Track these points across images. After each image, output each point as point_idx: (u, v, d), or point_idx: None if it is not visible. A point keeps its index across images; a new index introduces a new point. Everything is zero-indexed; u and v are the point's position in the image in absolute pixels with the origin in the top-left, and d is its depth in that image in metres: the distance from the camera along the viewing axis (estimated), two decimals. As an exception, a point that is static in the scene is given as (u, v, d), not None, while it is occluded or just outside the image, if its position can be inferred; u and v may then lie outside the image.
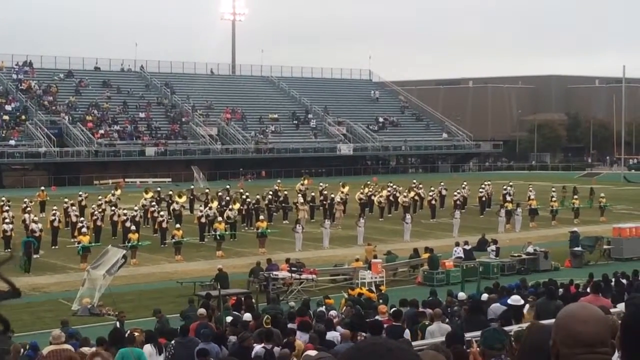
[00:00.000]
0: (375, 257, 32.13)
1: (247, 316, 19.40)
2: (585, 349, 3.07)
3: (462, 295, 22.23)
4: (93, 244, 36.35)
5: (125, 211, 40.88)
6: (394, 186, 54.15)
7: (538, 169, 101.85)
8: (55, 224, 40.60)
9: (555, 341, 3.10)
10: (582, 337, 3.06)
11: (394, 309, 18.42)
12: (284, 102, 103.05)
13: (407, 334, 15.46)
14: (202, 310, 19.46)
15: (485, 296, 20.37)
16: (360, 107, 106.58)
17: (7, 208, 42.86)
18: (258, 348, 14.44)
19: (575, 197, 52.10)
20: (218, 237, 38.74)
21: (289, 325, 16.40)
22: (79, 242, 35.68)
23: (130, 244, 36.11)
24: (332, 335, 15.59)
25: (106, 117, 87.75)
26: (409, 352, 2.72)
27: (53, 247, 39.67)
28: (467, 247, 34.20)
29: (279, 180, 59.30)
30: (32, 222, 38.56)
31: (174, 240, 37.77)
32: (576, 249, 35.93)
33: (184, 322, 20.11)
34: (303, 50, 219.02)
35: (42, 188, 55.63)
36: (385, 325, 16.13)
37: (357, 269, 30.68)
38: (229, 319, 19.26)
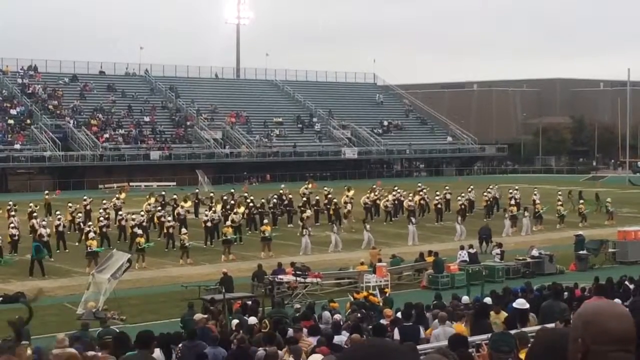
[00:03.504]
0: (380, 260, 32.12)
1: (252, 320, 19.43)
2: (618, 346, 3.01)
3: (465, 298, 22.21)
4: (102, 249, 36.36)
5: (134, 216, 40.88)
6: (399, 190, 54.09)
7: (543, 172, 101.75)
8: (60, 228, 40.64)
9: (584, 339, 3.04)
10: (616, 334, 3.01)
11: (404, 309, 18.42)
12: (289, 106, 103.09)
13: (422, 333, 15.46)
14: (199, 315, 19.44)
15: (488, 300, 20.37)
16: (364, 110, 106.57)
17: (13, 213, 42.91)
18: (260, 352, 14.47)
19: (582, 201, 52.07)
20: (230, 241, 38.65)
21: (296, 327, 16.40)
22: (89, 247, 35.58)
23: (139, 247, 36.15)
24: (339, 339, 15.59)
25: (111, 121, 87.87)
26: (408, 354, 2.71)
27: (58, 250, 39.69)
28: (472, 251, 34.18)
29: (282, 185, 59.31)
30: (41, 227, 38.55)
31: (182, 243, 37.74)
32: (581, 252, 35.88)
33: (183, 327, 20.11)
34: (307, 54, 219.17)
35: (47, 192, 55.81)
36: (399, 326, 16.20)
37: (361, 273, 30.68)
38: (234, 322, 19.23)
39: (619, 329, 3.01)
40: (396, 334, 15.89)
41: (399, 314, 19.29)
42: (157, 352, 14.58)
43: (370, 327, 17.03)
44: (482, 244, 39.24)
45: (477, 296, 23.24)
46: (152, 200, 48.88)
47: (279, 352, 14.41)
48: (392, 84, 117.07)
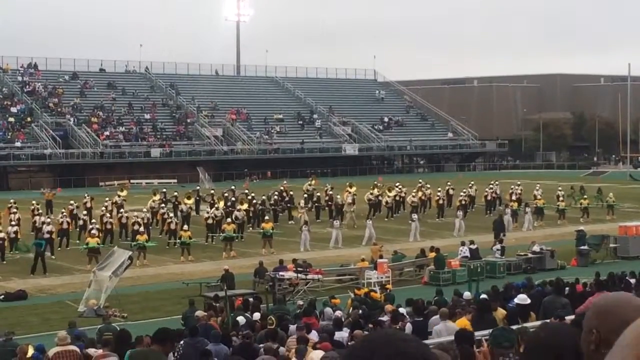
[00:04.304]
0: (381, 257, 32.12)
1: (256, 316, 19.46)
2: None
3: (467, 294, 22.21)
4: (102, 245, 36.36)
5: (135, 214, 40.86)
6: (401, 187, 54.05)
7: (544, 168, 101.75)
8: (65, 225, 40.67)
9: (599, 330, 2.97)
10: None
11: (415, 304, 18.44)
12: (289, 103, 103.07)
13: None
14: (200, 312, 19.46)
15: (483, 297, 20.40)
16: (365, 107, 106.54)
17: (14, 210, 42.91)
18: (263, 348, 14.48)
19: (585, 196, 52.07)
20: (231, 238, 38.70)
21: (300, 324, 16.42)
22: (87, 244, 35.61)
23: (136, 244, 36.17)
24: (340, 335, 15.61)
25: (111, 119, 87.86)
26: (422, 343, 2.70)
27: (59, 248, 39.67)
28: (473, 247, 34.18)
29: (285, 181, 59.34)
30: (44, 224, 38.55)
31: (180, 241, 37.83)
32: (582, 247, 35.87)
33: (184, 324, 20.13)
34: (307, 51, 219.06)
35: (49, 190, 55.87)
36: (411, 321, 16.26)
37: (363, 269, 30.69)
38: (241, 319, 19.18)
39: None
40: (408, 329, 15.95)
41: (399, 310, 19.31)
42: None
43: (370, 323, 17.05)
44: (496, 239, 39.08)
45: (476, 292, 23.23)
46: (157, 197, 48.89)
47: (282, 348, 14.44)
48: (392, 81, 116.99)
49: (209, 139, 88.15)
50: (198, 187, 58.11)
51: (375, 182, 57.16)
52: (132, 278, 31.98)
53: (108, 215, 41.88)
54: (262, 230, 40.26)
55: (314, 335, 15.12)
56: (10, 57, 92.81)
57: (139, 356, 8.98)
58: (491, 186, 54.58)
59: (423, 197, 52.49)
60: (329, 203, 50.26)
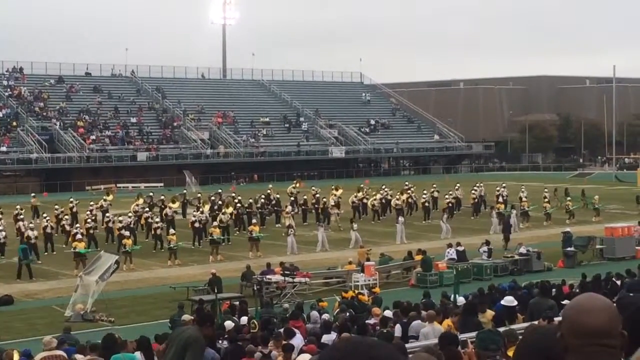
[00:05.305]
0: (368, 259, 32.12)
1: (244, 319, 19.44)
2: (590, 340, 3.00)
3: (461, 299, 22.23)
4: (89, 250, 36.20)
5: (121, 218, 40.77)
6: (387, 189, 54.15)
7: (530, 170, 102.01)
8: (48, 230, 40.49)
9: (563, 333, 3.06)
10: (587, 328, 3.01)
11: (402, 306, 18.44)
12: (276, 106, 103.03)
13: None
14: (187, 316, 19.42)
15: (461, 300, 20.40)
16: (351, 109, 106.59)
17: (0, 216, 42.70)
18: (257, 354, 14.46)
19: (569, 198, 52.25)
20: (217, 241, 38.58)
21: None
22: (74, 248, 35.46)
23: (125, 249, 36.08)
24: (328, 338, 15.61)
25: (97, 123, 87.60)
26: (387, 347, 2.72)
27: (45, 253, 39.51)
28: (460, 249, 34.23)
29: (270, 185, 59.31)
30: (29, 229, 38.39)
31: (169, 245, 37.68)
32: (569, 249, 35.97)
33: (171, 327, 20.09)
34: (294, 54, 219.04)
35: (33, 194, 55.62)
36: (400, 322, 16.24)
37: (350, 272, 30.69)
38: (228, 324, 19.15)
39: (591, 323, 3.01)
40: (397, 330, 15.94)
41: (386, 312, 19.31)
42: (138, 355, 14.52)
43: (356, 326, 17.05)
44: (507, 242, 39.24)
45: (454, 295, 23.24)
46: (140, 201, 48.76)
47: (274, 352, 14.43)
48: (378, 83, 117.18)
49: (196, 143, 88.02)
50: (185, 191, 58.00)
51: (361, 185, 57.20)
52: (118, 282, 31.89)
53: (89, 220, 41.63)
54: (253, 235, 39.69)
55: (297, 340, 15.09)
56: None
57: (176, 331, 8.78)
58: (476, 188, 54.66)
59: (409, 200, 52.58)
60: (316, 206, 50.24)
